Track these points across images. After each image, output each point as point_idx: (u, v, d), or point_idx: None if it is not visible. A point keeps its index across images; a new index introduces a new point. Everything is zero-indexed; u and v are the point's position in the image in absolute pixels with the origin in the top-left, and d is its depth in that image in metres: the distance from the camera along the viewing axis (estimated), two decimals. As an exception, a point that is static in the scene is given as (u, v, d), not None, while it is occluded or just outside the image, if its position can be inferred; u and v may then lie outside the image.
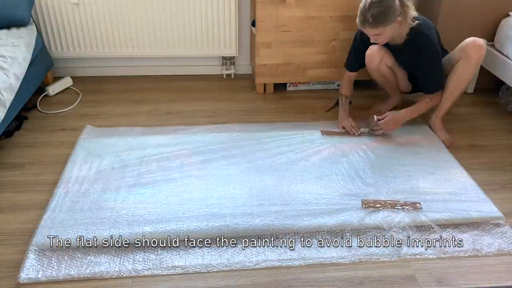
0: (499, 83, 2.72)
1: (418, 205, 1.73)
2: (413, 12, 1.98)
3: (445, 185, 1.86)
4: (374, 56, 2.16)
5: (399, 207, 1.72)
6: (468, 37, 2.61)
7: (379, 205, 1.73)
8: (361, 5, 1.91)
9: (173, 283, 1.44)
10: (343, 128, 2.25)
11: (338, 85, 2.79)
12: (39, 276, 1.43)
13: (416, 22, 1.99)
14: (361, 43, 2.18)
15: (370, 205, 1.73)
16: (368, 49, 2.18)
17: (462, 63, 2.03)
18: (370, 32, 1.95)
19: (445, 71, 2.11)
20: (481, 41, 2.02)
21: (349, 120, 2.26)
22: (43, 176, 1.94)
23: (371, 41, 2.01)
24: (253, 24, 2.58)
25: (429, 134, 2.24)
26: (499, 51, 2.49)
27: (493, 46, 2.56)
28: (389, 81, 2.32)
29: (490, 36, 2.60)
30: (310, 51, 2.60)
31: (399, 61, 2.20)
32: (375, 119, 2.17)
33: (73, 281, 1.44)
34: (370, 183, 1.86)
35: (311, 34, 2.55)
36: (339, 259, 1.53)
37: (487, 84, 2.76)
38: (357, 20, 1.93)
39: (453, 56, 2.10)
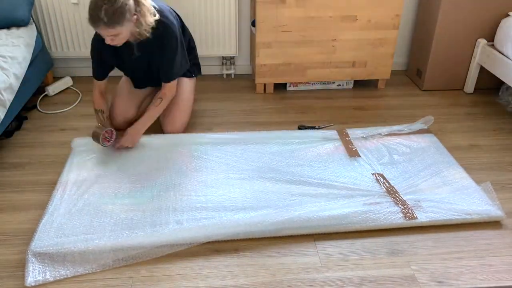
0: (499, 83, 2.72)
1: (418, 205, 1.73)
2: (151, 5, 1.85)
3: (445, 185, 1.86)
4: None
5: (400, 204, 1.72)
6: (468, 37, 2.63)
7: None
8: (91, 3, 1.72)
9: (173, 283, 1.45)
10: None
11: (338, 85, 2.80)
12: (44, 278, 1.43)
13: (158, 15, 1.88)
14: (102, 45, 1.92)
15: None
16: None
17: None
18: (106, 32, 1.75)
19: None
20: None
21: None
22: (43, 176, 1.94)
23: (107, 42, 1.80)
24: (253, 24, 2.58)
25: (429, 135, 2.24)
26: (499, 51, 2.49)
27: (493, 46, 2.56)
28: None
29: (490, 36, 2.61)
30: (310, 51, 2.60)
31: (138, 58, 2.03)
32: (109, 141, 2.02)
33: (73, 282, 1.44)
34: (370, 184, 1.86)
35: (311, 34, 2.55)
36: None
37: (487, 84, 2.76)
38: (89, 20, 1.73)
39: None
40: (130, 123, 2.14)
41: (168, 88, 2.06)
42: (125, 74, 2.23)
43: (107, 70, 2.08)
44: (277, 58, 2.60)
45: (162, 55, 1.99)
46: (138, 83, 2.22)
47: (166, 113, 2.18)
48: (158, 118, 2.20)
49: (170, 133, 2.19)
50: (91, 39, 2.01)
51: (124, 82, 2.25)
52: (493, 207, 1.73)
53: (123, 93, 2.21)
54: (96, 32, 1.96)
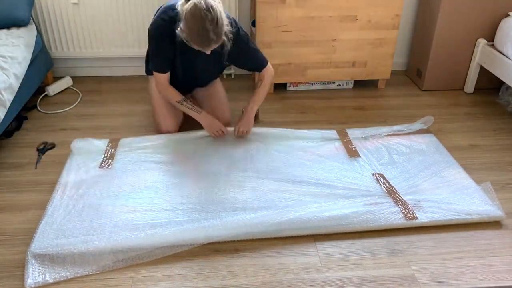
0: (499, 83, 2.72)
1: (419, 205, 1.73)
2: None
3: (445, 185, 1.86)
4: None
5: (400, 204, 1.72)
6: (468, 37, 2.63)
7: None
8: (196, 30, 1.72)
9: (173, 283, 1.45)
10: (215, 134, 2.14)
11: (338, 85, 2.80)
12: (44, 279, 1.43)
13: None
14: (168, 40, 1.92)
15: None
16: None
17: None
18: (214, 46, 1.80)
19: None
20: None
21: (216, 123, 2.14)
22: (43, 176, 1.94)
23: (208, 52, 1.85)
24: (253, 24, 2.58)
25: (429, 135, 2.24)
26: (499, 51, 2.49)
27: (493, 46, 2.56)
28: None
29: (490, 36, 2.61)
30: (310, 51, 2.60)
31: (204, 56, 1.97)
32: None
33: (73, 283, 1.44)
34: (371, 185, 1.86)
35: (311, 34, 2.55)
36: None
37: (487, 84, 2.76)
38: (200, 46, 1.78)
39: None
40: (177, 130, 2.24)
41: (266, 71, 2.18)
42: (172, 72, 2.11)
43: (171, 63, 2.05)
44: (277, 58, 2.60)
45: (245, 53, 2.09)
46: (178, 83, 2.14)
47: (213, 108, 2.24)
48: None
49: (224, 122, 2.23)
50: (147, 31, 1.96)
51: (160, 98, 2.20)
52: (493, 207, 1.73)
53: (166, 106, 2.20)
54: (160, 24, 1.90)
